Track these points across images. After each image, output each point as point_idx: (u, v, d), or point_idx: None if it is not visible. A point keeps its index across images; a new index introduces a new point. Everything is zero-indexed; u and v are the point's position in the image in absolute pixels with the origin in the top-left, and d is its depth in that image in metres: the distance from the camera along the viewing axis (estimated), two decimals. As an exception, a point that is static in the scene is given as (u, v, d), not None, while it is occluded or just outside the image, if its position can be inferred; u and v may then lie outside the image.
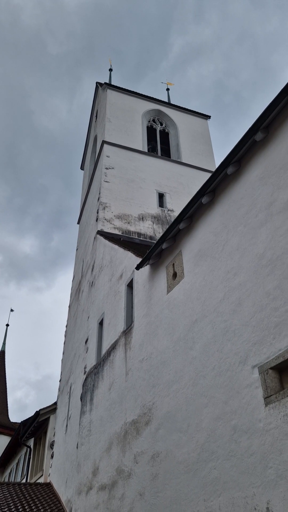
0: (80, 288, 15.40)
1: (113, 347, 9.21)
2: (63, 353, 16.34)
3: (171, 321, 6.78)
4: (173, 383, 6.21)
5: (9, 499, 10.65)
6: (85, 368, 11.29)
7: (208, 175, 15.95)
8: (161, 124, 19.09)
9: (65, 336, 16.78)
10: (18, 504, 10.37)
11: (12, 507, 10.14)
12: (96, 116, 20.92)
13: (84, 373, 11.16)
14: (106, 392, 8.93)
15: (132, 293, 9.06)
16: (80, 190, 23.18)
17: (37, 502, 10.65)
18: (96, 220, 14.21)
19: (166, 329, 6.88)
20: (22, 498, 10.87)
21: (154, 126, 18.84)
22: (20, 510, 9.99)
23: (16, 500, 10.68)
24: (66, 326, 17.00)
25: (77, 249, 19.02)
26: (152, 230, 14.23)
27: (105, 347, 9.85)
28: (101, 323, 10.88)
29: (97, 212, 14.32)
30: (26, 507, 10.20)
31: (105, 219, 13.94)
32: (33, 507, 10.24)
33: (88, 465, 9.05)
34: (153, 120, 19.05)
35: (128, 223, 14.06)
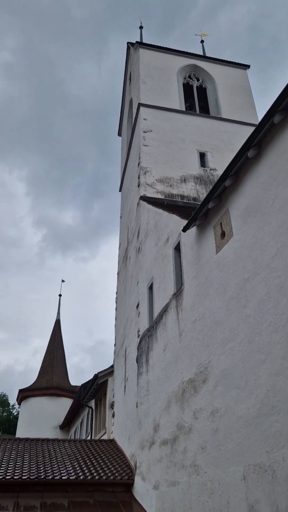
0: (127, 255, 15.58)
1: (165, 310, 9.34)
2: (115, 319, 16.81)
3: (222, 281, 6.73)
4: (228, 341, 6.23)
5: (77, 454, 11.42)
6: (138, 331, 11.58)
7: (251, 129, 15.24)
8: (198, 80, 18.30)
9: (116, 303, 17.20)
10: (85, 458, 11.11)
11: (80, 460, 10.88)
12: (130, 78, 20.39)
13: (138, 336, 11.46)
14: (161, 353, 9.14)
15: (180, 256, 9.05)
16: (118, 157, 23.05)
17: (103, 456, 11.35)
18: (138, 186, 14.13)
19: (217, 289, 6.84)
20: (89, 453, 11.62)
21: (190, 83, 18.11)
22: (88, 462, 10.70)
23: (83, 454, 11.45)
24: (116, 293, 17.39)
25: (121, 217, 19.12)
26: (195, 191, 13.97)
27: (157, 311, 10.01)
28: (150, 288, 11.02)
29: (138, 178, 14.21)
30: (93, 460, 10.92)
31: (147, 184, 13.82)
32: (99, 460, 10.93)
33: (148, 422, 9.44)
34: (189, 77, 18.29)
35: (171, 186, 13.87)
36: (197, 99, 17.65)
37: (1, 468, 9.86)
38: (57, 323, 32.33)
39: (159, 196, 13.46)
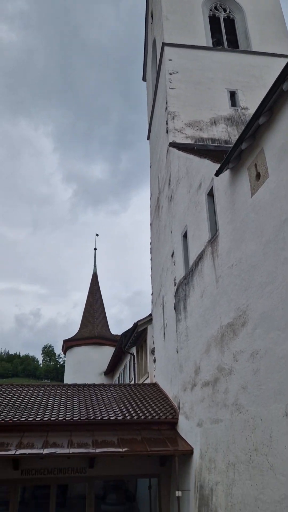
0: (159, 205, 15.45)
1: (200, 257, 9.32)
2: (151, 269, 17.01)
3: (258, 224, 6.58)
4: (266, 285, 6.18)
5: (122, 397, 12.07)
6: (174, 280, 11.70)
7: (285, 60, 14.21)
8: (225, 11, 16.97)
9: (151, 253, 17.32)
10: (131, 400, 11.74)
11: (126, 402, 11.52)
12: (152, 16, 19.19)
13: (174, 284, 11.59)
14: (199, 300, 9.25)
15: (213, 202, 8.86)
16: (144, 104, 22.24)
17: (147, 398, 11.94)
18: (167, 132, 13.70)
19: (254, 232, 6.71)
20: (133, 395, 12.25)
21: (217, 15, 16.83)
22: (133, 404, 11.32)
23: (128, 397, 12.08)
24: (151, 243, 17.46)
25: (150, 166, 18.77)
26: (226, 133, 13.40)
27: (192, 258, 10.01)
28: (185, 236, 10.97)
29: (166, 123, 13.74)
30: (138, 402, 11.52)
31: (176, 130, 13.37)
32: (144, 402, 11.52)
33: (189, 366, 9.75)
34: (215, 8, 16.97)
35: (200, 129, 13.35)
36: (225, 32, 16.46)
37: (54, 410, 10.60)
38: (94, 276, 33.14)
39: (189, 141, 13.03)
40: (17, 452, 8.81)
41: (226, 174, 7.92)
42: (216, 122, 13.58)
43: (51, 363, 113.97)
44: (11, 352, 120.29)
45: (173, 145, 12.98)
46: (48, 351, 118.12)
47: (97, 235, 36.35)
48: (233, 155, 7.25)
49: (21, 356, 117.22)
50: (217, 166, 8.22)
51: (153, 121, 18.26)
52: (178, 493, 8.70)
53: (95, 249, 35.09)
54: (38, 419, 10.00)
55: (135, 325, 16.23)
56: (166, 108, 14.05)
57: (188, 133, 13.26)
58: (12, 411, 10.42)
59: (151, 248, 17.35)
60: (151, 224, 17.66)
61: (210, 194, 9.07)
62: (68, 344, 28.18)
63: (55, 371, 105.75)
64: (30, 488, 10.44)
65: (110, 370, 25.97)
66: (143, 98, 22.11)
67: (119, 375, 23.43)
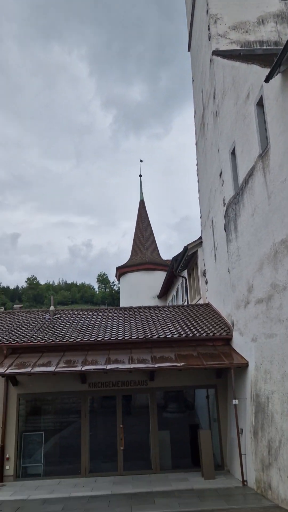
0: (204, 122, 14.65)
1: (250, 174, 8.93)
2: (198, 191, 16.64)
3: (314, 132, 6.08)
4: None
5: (177, 317, 12.56)
6: (223, 200, 11.41)
7: None
8: None
9: (197, 175, 16.83)
10: (185, 319, 12.19)
11: (181, 321, 11.99)
12: None
13: (224, 205, 11.32)
14: (250, 219, 9.02)
15: (263, 112, 8.25)
16: (183, 10, 20.24)
17: (201, 317, 12.34)
18: (209, 39, 12.55)
19: (309, 142, 6.24)
20: (187, 315, 12.70)
21: None
22: (188, 323, 11.76)
23: (183, 317, 12.55)
24: (197, 165, 16.89)
25: (193, 81, 17.55)
26: (276, 33, 12.06)
27: (242, 176, 9.62)
28: (233, 153, 10.46)
29: (208, 29, 12.54)
30: (192, 321, 11.95)
31: (219, 35, 12.20)
32: (198, 321, 11.93)
33: (242, 285, 9.81)
34: None
35: (246, 32, 12.09)
36: None
37: (113, 331, 11.29)
38: (142, 204, 33.09)
39: (234, 46, 11.91)
40: (83, 368, 9.62)
41: (277, 79, 7.24)
42: (264, 21, 12.20)
43: (107, 290, 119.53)
44: (69, 282, 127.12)
45: (217, 53, 11.94)
46: (102, 279, 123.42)
47: (141, 161, 35.76)
48: (284, 56, 6.55)
49: (78, 284, 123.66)
50: (266, 71, 7.51)
51: (193, 29, 16.73)
52: (235, 401, 9.23)
53: (140, 175, 34.59)
54: (100, 339, 10.72)
55: (185, 248, 16.33)
56: (207, 11, 12.74)
57: (233, 37, 12.08)
58: (75, 333, 11.22)
59: (197, 170, 16.83)
60: (196, 144, 16.95)
61: (260, 104, 8.41)
62: (121, 271, 29.16)
63: (111, 297, 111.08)
64: (98, 399, 11.51)
65: (163, 294, 26.85)
66: (181, 4, 20.05)
67: (172, 298, 24.20)
